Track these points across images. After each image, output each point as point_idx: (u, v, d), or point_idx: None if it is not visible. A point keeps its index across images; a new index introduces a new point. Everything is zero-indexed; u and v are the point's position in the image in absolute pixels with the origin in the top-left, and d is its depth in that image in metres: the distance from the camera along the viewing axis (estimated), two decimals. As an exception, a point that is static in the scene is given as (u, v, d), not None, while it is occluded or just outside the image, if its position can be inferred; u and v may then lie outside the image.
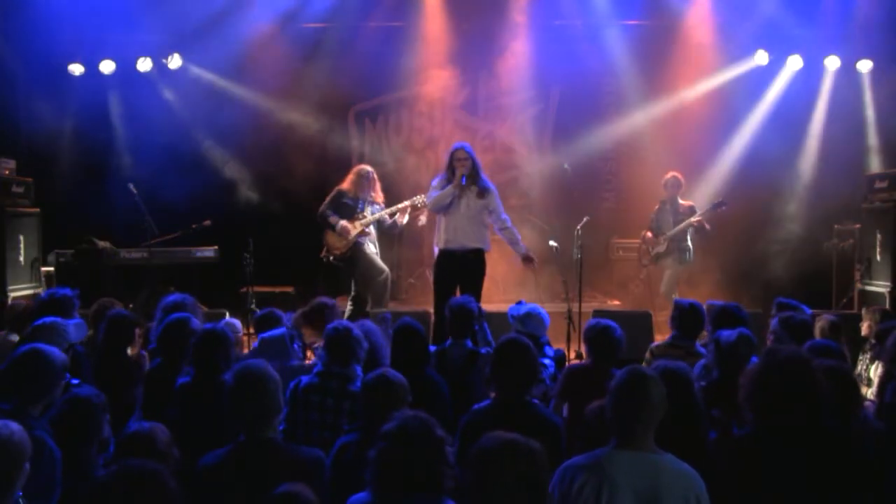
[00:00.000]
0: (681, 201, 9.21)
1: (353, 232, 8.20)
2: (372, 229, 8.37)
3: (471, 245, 7.13)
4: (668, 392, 3.13)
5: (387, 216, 8.29)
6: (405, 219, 8.28)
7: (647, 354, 5.23)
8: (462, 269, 7.11)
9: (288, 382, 4.12)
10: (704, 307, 5.52)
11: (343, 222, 8.19)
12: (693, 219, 8.97)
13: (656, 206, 9.34)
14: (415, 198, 8.17)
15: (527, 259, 7.38)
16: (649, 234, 9.38)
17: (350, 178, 8.40)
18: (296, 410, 4.17)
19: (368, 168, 8.50)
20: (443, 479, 2.79)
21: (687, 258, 9.15)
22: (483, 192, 7.11)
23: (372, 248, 8.36)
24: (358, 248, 8.25)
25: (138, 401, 4.62)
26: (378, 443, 2.86)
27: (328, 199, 8.39)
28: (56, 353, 3.78)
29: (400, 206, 8.25)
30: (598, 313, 7.42)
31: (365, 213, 8.28)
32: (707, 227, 9.02)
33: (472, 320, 5.31)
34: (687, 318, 5.21)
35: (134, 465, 2.55)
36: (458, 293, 6.90)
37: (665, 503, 2.91)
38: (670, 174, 9.21)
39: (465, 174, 6.98)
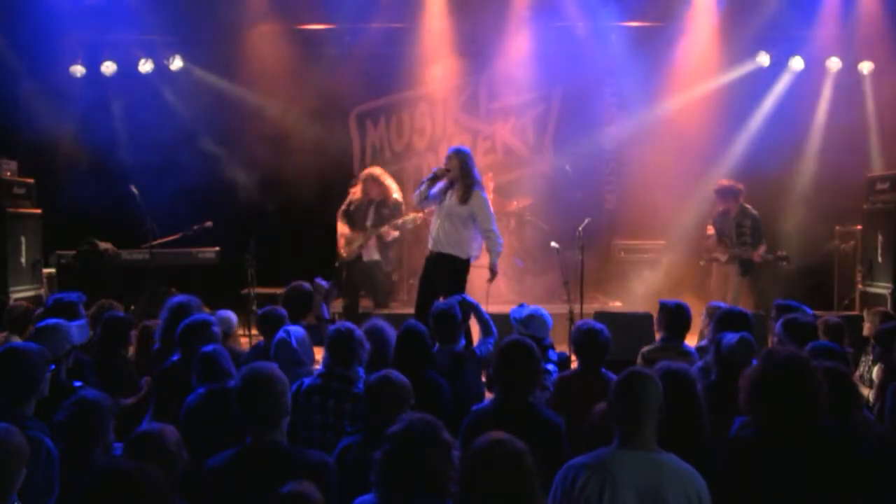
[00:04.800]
0: (749, 210, 8.86)
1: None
2: None
3: (443, 250, 6.95)
4: (671, 392, 3.15)
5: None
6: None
7: (640, 360, 5.17)
8: (436, 272, 6.98)
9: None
10: (707, 308, 5.52)
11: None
12: (756, 256, 8.68)
13: (719, 209, 8.99)
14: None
15: (490, 271, 7.08)
16: (712, 237, 9.04)
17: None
18: (297, 411, 4.16)
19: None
20: (448, 482, 2.79)
21: (748, 271, 8.91)
22: (465, 197, 6.87)
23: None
24: None
25: (152, 401, 4.63)
26: (384, 444, 2.86)
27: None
28: (32, 348, 3.77)
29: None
30: (599, 315, 7.42)
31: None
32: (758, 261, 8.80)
33: (454, 323, 5.21)
34: (675, 319, 5.21)
35: (114, 465, 2.55)
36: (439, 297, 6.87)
37: (667, 502, 2.92)
38: (721, 183, 8.94)
39: (438, 168, 6.96)
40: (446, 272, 6.94)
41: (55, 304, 5.38)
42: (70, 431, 3.42)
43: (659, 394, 3.07)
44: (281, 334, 4.78)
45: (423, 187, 7.03)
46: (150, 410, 4.56)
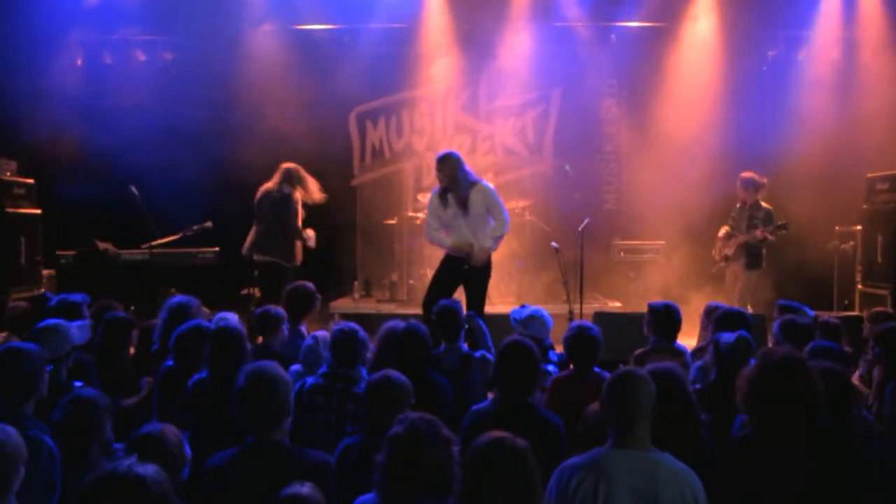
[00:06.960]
0: (762, 204, 8.75)
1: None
2: None
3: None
4: (662, 392, 3.15)
5: None
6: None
7: (632, 362, 5.15)
8: (471, 271, 6.92)
9: None
10: (706, 308, 5.51)
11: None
12: (757, 233, 8.53)
13: (737, 204, 8.89)
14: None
15: (476, 254, 6.92)
16: (721, 233, 8.90)
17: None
18: (300, 411, 4.17)
19: None
20: (451, 481, 2.80)
21: (756, 264, 8.71)
22: (465, 199, 6.85)
23: None
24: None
25: (154, 404, 4.62)
26: (387, 445, 2.86)
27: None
28: (31, 348, 3.78)
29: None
30: (598, 315, 7.42)
31: None
32: (769, 238, 8.59)
33: (459, 321, 5.23)
34: (664, 320, 5.21)
35: (115, 466, 2.54)
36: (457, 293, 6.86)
37: (662, 501, 2.93)
38: (745, 174, 8.81)
39: (436, 189, 6.98)
40: (483, 269, 6.95)
41: (59, 303, 5.38)
42: (66, 430, 3.41)
43: (651, 393, 3.08)
44: (309, 340, 4.81)
45: (435, 230, 7.08)
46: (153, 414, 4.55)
